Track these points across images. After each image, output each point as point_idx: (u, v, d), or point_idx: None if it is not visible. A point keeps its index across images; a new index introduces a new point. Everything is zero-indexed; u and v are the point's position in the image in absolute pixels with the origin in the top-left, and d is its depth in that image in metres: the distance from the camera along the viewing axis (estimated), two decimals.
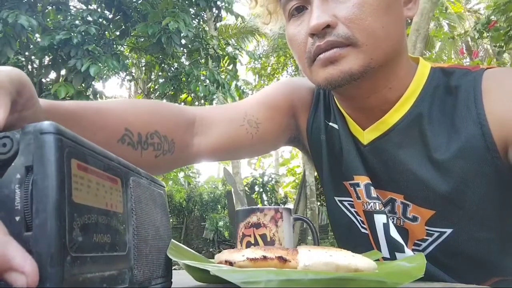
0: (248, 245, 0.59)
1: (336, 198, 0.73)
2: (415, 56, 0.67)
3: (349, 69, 0.55)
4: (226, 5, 5.74)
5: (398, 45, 0.58)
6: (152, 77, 7.52)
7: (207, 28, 6.86)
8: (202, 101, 6.17)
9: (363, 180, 0.66)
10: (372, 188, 0.64)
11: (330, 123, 0.72)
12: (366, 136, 0.65)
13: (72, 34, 4.17)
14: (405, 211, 0.62)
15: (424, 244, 0.62)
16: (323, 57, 0.56)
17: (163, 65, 6.04)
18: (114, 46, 5.13)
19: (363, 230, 0.69)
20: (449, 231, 0.58)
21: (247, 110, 0.72)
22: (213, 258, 0.53)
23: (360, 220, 0.69)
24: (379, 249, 0.66)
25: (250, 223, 0.60)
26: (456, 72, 0.61)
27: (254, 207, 0.62)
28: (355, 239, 0.70)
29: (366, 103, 0.62)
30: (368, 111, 0.64)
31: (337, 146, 0.70)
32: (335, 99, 0.70)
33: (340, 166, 0.69)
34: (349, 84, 0.56)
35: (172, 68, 6.09)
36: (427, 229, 0.60)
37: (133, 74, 7.75)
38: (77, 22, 4.58)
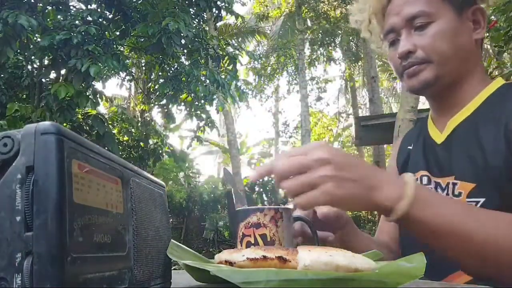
0: (248, 245, 0.58)
1: None
2: (496, 77, 0.85)
3: (425, 79, 0.76)
4: (226, 5, 5.73)
5: (465, 60, 0.77)
6: (152, 77, 7.51)
7: (207, 28, 6.86)
8: (202, 101, 6.17)
9: (420, 174, 0.82)
10: (425, 177, 0.81)
11: (409, 147, 0.92)
12: (442, 136, 0.82)
13: (72, 34, 4.16)
14: (453, 189, 0.75)
15: None
16: (406, 72, 0.78)
17: (163, 65, 6.04)
18: (114, 46, 5.12)
19: None
20: (482, 200, 0.69)
21: None
22: (213, 258, 0.53)
23: None
24: None
25: (250, 223, 0.59)
26: None
27: (254, 207, 0.62)
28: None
29: (446, 102, 0.81)
30: (446, 110, 0.81)
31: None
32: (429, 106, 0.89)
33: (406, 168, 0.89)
34: (428, 90, 0.78)
35: (172, 68, 6.09)
36: (467, 201, 0.72)
37: (133, 74, 7.74)
38: (77, 22, 4.58)
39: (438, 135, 0.83)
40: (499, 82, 0.79)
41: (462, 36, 0.76)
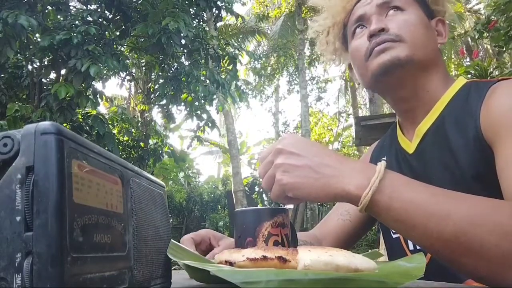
0: (276, 244, 0.59)
1: None
2: (458, 75, 0.84)
3: (396, 55, 0.72)
4: (226, 5, 5.73)
5: (433, 55, 0.76)
6: (152, 77, 7.51)
7: (207, 28, 6.86)
8: (202, 101, 6.17)
9: None
10: None
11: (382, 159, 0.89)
12: (412, 145, 0.79)
13: (72, 34, 4.16)
14: None
15: None
16: (378, 48, 0.74)
17: (163, 65, 6.03)
18: (114, 46, 5.12)
19: (394, 236, 0.83)
20: None
21: (337, 206, 0.95)
22: (213, 258, 0.53)
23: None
24: (408, 247, 0.78)
25: (277, 223, 0.60)
26: (480, 84, 0.74)
27: (280, 207, 0.63)
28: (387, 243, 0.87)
29: (410, 105, 0.79)
30: (412, 115, 0.79)
31: None
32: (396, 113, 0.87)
33: None
34: (396, 71, 0.73)
35: (172, 68, 6.08)
36: None
37: (133, 74, 7.73)
38: (77, 22, 4.58)
39: (408, 145, 0.81)
40: (461, 81, 0.78)
41: (430, 33, 0.77)
